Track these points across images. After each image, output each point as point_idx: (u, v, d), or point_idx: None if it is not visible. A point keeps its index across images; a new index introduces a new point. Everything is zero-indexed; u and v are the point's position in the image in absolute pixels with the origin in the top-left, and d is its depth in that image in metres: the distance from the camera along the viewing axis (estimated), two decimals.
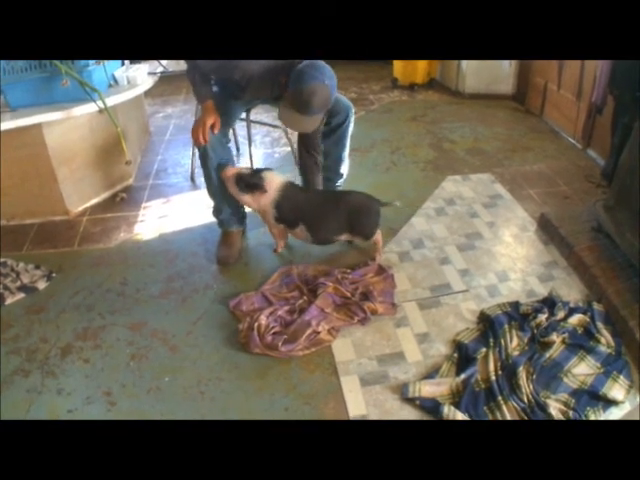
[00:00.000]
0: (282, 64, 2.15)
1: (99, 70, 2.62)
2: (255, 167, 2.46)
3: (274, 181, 2.32)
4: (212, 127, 2.21)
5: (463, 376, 1.83)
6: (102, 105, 2.55)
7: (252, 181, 2.30)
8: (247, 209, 2.59)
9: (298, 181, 2.57)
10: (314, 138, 2.43)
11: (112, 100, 2.67)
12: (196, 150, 2.50)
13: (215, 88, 2.38)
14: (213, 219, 2.57)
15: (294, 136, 2.60)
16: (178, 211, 2.91)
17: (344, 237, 2.38)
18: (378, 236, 2.38)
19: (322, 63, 2.07)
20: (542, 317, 2.05)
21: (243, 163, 3.39)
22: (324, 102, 2.07)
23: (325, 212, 2.32)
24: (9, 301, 2.24)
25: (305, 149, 2.47)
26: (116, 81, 2.81)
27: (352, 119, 2.52)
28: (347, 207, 2.30)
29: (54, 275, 2.39)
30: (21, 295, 2.27)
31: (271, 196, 2.31)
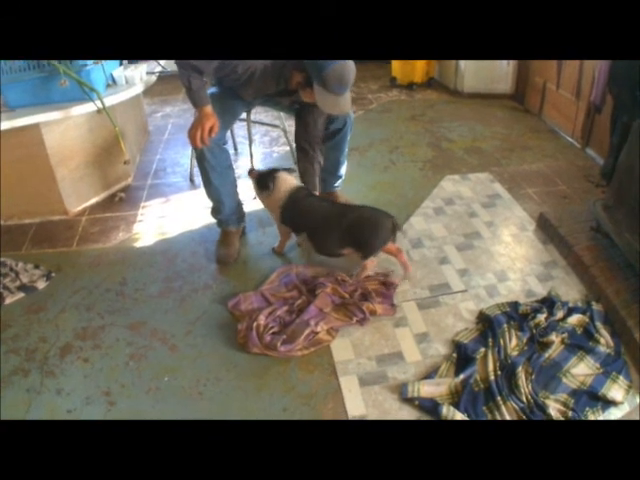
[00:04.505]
0: None
1: (97, 70, 2.61)
2: (280, 166, 2.46)
3: (285, 183, 2.33)
4: (210, 130, 2.18)
5: (462, 376, 1.83)
6: (100, 105, 2.55)
7: (264, 180, 2.34)
8: (246, 208, 2.60)
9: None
10: (317, 134, 2.41)
11: (110, 100, 2.67)
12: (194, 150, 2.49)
13: (214, 89, 2.37)
14: (212, 219, 2.57)
15: (292, 135, 2.59)
16: (177, 211, 2.91)
17: (347, 252, 2.25)
18: (370, 262, 2.24)
19: None
20: (541, 317, 2.05)
21: (243, 163, 3.39)
22: (354, 76, 2.08)
23: (329, 223, 2.24)
24: (8, 301, 2.24)
25: (304, 148, 2.46)
26: (114, 81, 2.80)
27: (350, 125, 2.51)
28: (352, 220, 2.18)
29: (53, 275, 2.39)
30: (20, 295, 2.27)
31: (280, 197, 2.32)
